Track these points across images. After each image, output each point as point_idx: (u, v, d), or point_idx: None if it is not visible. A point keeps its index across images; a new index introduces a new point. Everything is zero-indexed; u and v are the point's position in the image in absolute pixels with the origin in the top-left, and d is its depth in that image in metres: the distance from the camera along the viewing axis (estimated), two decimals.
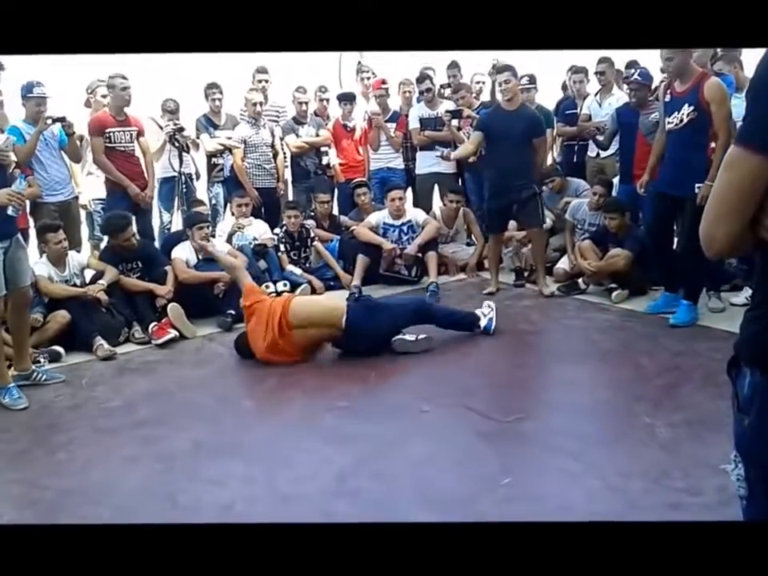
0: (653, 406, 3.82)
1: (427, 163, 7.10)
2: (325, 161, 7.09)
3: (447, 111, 6.76)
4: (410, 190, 7.32)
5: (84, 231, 6.46)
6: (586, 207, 6.29)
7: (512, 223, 6.60)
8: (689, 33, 1.36)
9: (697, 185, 4.64)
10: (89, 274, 5.52)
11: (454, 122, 6.77)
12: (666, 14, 1.30)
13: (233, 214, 6.58)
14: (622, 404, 4.00)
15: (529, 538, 1.53)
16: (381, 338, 4.73)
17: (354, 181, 7.03)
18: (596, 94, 6.76)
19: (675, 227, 5.33)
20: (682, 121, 4.75)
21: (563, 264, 6.26)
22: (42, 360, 4.78)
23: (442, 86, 7.39)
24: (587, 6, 1.33)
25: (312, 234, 6.53)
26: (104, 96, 6.19)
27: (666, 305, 5.25)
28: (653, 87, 5.87)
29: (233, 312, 5.40)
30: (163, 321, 5.24)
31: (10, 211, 3.99)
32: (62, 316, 5.00)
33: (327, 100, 7.28)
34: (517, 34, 1.41)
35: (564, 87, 7.53)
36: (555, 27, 1.39)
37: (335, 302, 5.05)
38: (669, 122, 4.86)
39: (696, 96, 4.68)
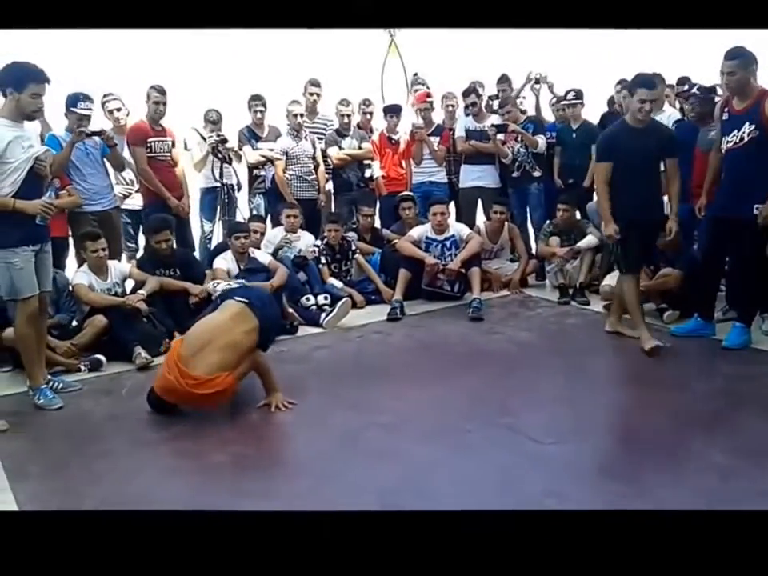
0: (705, 432, 3.70)
1: (471, 177, 7.03)
2: (368, 173, 7.06)
3: (493, 125, 6.74)
4: (452, 204, 7.26)
5: None
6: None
7: (554, 239, 6.51)
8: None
9: (756, 206, 4.49)
10: (130, 284, 5.53)
11: (499, 137, 6.74)
12: None
13: (277, 225, 6.57)
14: (673, 428, 3.86)
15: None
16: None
17: (401, 194, 6.98)
18: None
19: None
20: (742, 140, 4.61)
21: (610, 281, 6.12)
22: (83, 368, 4.79)
23: (490, 98, 7.34)
24: None
25: (354, 247, 6.48)
26: (112, 111, 6.19)
27: (696, 329, 5.11)
28: (714, 102, 5.71)
29: None
30: None
31: (38, 220, 4.04)
32: (99, 320, 5.00)
33: (371, 113, 7.26)
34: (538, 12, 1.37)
35: (611, 102, 7.40)
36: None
37: (229, 311, 4.23)
38: (728, 141, 4.71)
39: (757, 113, 4.53)
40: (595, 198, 6.80)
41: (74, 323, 5.20)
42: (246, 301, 4.19)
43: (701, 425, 3.79)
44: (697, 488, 3.15)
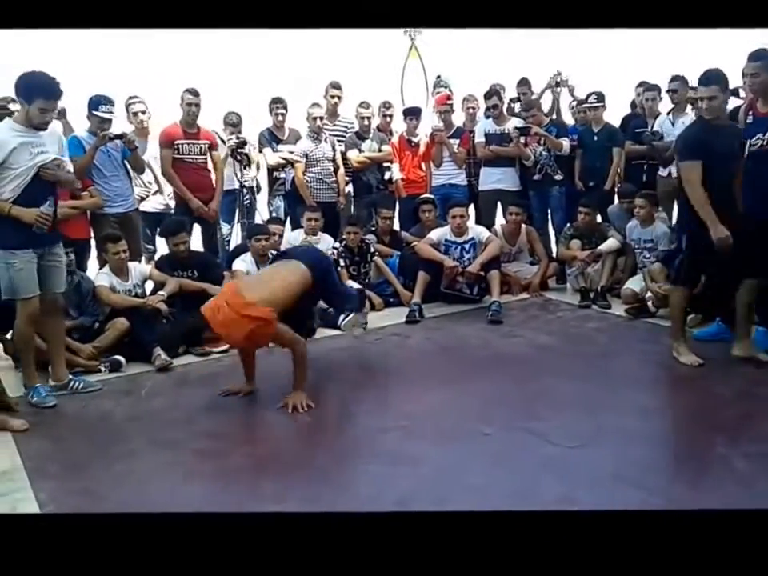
0: (728, 437, 3.65)
1: (490, 180, 7.01)
2: (387, 176, 7.05)
3: (516, 128, 6.72)
4: (472, 206, 7.23)
5: None
6: (638, 225, 6.15)
7: (575, 242, 6.47)
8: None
9: None
10: (150, 286, 5.56)
11: (522, 139, 6.72)
12: None
13: (296, 227, 6.58)
14: (695, 434, 3.84)
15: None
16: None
17: (421, 197, 6.96)
18: (668, 113, 6.56)
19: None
20: None
21: (631, 285, 6.08)
22: (103, 369, 4.82)
23: (511, 101, 7.32)
24: None
25: (372, 249, 6.47)
26: (136, 113, 6.23)
27: (718, 333, 5.06)
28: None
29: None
30: None
31: (34, 229, 4.07)
32: (121, 323, 5.03)
33: (391, 116, 7.25)
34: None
35: (633, 104, 7.36)
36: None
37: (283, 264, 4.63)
38: (752, 144, 4.65)
39: None
40: (616, 200, 6.78)
41: (96, 326, 5.23)
42: (301, 257, 4.54)
43: (722, 429, 3.73)
44: (717, 494, 3.11)
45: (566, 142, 6.77)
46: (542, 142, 6.80)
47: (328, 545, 1.54)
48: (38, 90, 3.94)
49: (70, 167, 5.54)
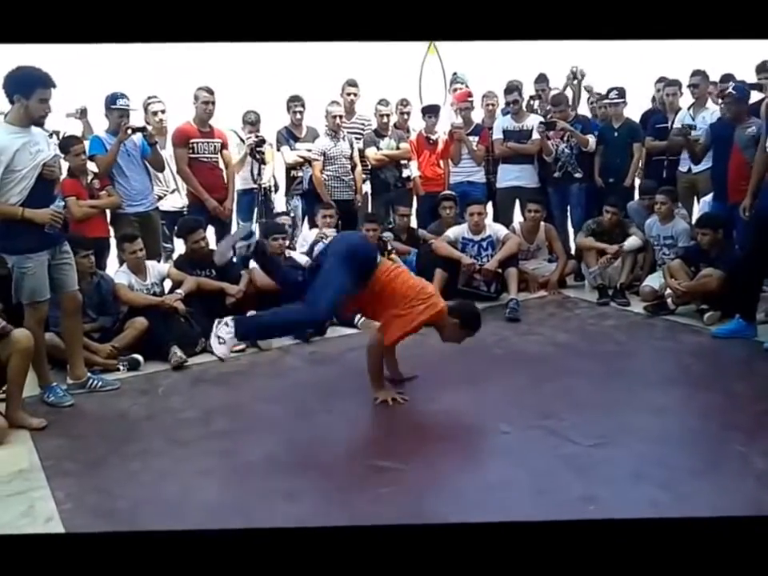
0: (747, 435, 3.60)
1: (508, 177, 6.98)
2: (405, 173, 7.03)
3: (541, 123, 6.68)
4: (490, 204, 7.20)
5: None
6: (658, 222, 6.10)
7: (589, 239, 6.43)
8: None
9: None
10: (168, 285, 5.59)
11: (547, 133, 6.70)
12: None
13: (313, 226, 6.59)
14: (714, 432, 3.79)
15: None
16: None
17: (442, 193, 6.94)
18: (689, 108, 6.50)
19: None
20: None
21: (650, 282, 6.02)
22: (121, 367, 4.85)
23: (531, 97, 7.28)
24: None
25: (389, 247, 6.46)
26: (156, 113, 6.25)
27: (738, 330, 5.00)
28: (749, 102, 5.59)
29: None
30: None
31: (47, 229, 4.05)
32: (140, 323, 5.06)
33: (408, 113, 7.22)
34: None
35: (654, 99, 7.29)
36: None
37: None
38: None
39: None
40: (637, 197, 6.72)
41: (116, 326, 5.26)
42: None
43: (741, 428, 3.68)
44: (736, 494, 3.07)
45: (591, 139, 6.71)
46: (565, 138, 6.74)
47: (339, 556, 1.53)
48: (36, 80, 3.84)
49: (92, 166, 5.63)
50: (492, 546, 1.51)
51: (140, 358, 4.94)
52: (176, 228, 5.95)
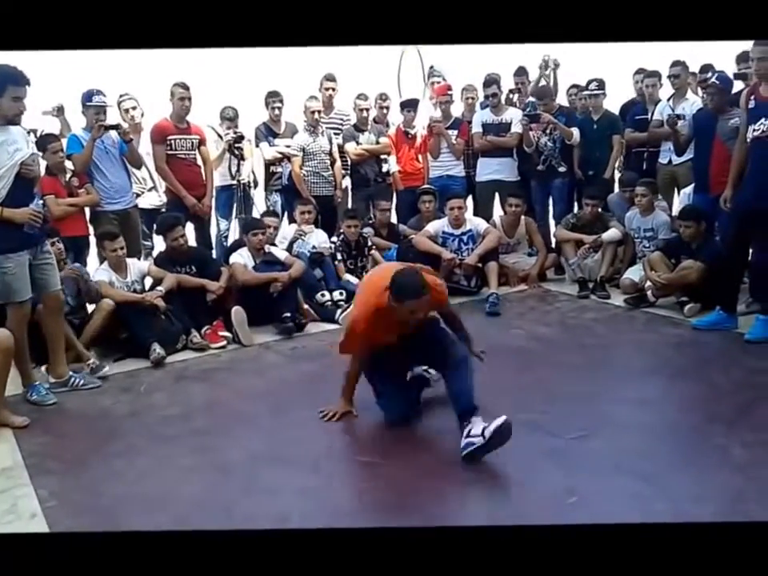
0: (727, 426, 3.64)
1: (487, 171, 6.97)
2: (385, 168, 7.02)
3: (525, 115, 6.67)
4: (470, 198, 7.21)
5: None
6: (638, 214, 6.14)
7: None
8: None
9: None
10: (148, 282, 5.55)
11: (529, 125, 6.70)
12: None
13: (293, 222, 6.57)
14: (694, 423, 3.82)
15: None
16: None
17: (422, 187, 6.94)
18: (669, 99, 6.51)
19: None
20: None
21: (630, 275, 6.07)
22: (85, 367, 4.74)
23: (511, 91, 7.28)
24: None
25: (369, 243, 6.46)
26: (128, 110, 6.20)
27: (718, 322, 5.05)
28: (731, 92, 5.62)
29: (289, 315, 5.43)
30: (215, 324, 5.28)
31: (26, 229, 4.01)
32: (107, 303, 5.01)
33: (387, 107, 7.21)
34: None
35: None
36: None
37: None
38: (754, 130, 4.62)
39: None
40: (616, 189, 6.75)
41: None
42: None
43: (722, 419, 3.72)
44: (716, 484, 3.11)
45: (575, 131, 6.71)
46: (548, 131, 6.75)
47: (323, 558, 1.53)
48: (6, 78, 3.78)
49: (70, 164, 5.58)
50: (479, 550, 1.51)
51: (106, 368, 4.79)
52: (155, 225, 5.91)
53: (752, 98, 4.67)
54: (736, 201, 4.93)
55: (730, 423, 3.67)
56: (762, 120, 4.56)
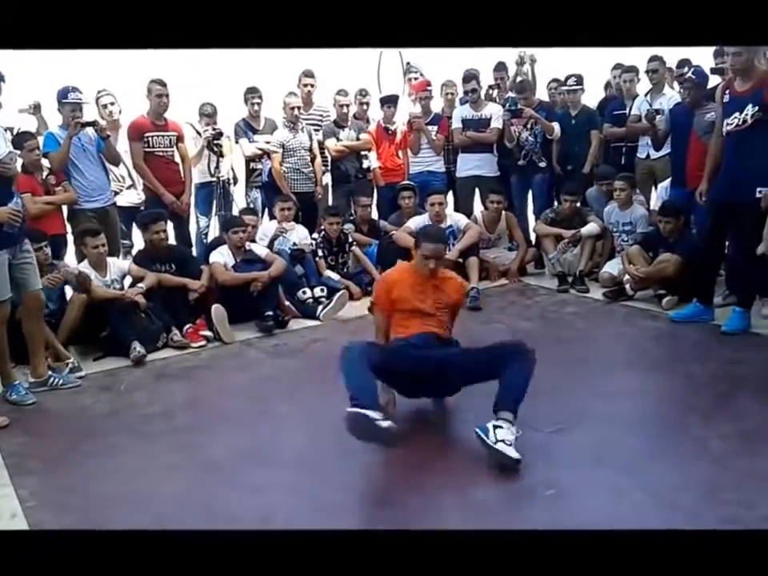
0: (704, 417, 3.69)
1: (468, 166, 7.00)
2: (365, 164, 7.03)
3: (507, 110, 6.68)
4: (450, 193, 7.22)
5: None
6: (617, 208, 6.19)
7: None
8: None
9: (759, 189, 4.46)
10: (129, 281, 5.52)
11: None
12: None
13: (273, 218, 6.55)
14: (672, 415, 3.87)
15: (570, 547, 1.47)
16: None
17: (401, 183, 6.95)
18: (646, 94, 6.54)
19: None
20: (745, 122, 4.56)
21: (609, 268, 6.11)
22: (66, 366, 4.72)
23: (490, 87, 7.29)
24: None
25: (350, 239, 6.47)
26: (106, 105, 6.17)
27: (695, 314, 5.11)
28: (707, 87, 5.67)
29: (271, 313, 5.41)
30: (197, 323, 5.27)
31: (6, 228, 3.97)
32: (78, 297, 4.97)
33: (367, 103, 7.20)
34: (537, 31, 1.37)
35: (607, 86, 7.36)
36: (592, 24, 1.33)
37: None
38: (728, 124, 4.67)
39: (761, 95, 4.49)
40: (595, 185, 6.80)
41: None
42: None
43: (699, 410, 3.77)
44: (694, 474, 3.15)
45: (557, 126, 6.73)
46: (528, 126, 6.77)
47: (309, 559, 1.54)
48: None
49: (47, 162, 5.53)
50: (462, 552, 1.52)
51: (82, 372, 4.75)
52: (138, 217, 5.85)
53: (727, 92, 4.72)
54: (712, 194, 4.97)
55: (707, 414, 3.72)
56: (737, 114, 4.60)
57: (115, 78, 6.78)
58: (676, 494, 2.98)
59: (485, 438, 3.28)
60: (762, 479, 2.96)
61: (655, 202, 6.41)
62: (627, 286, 5.75)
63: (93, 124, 5.60)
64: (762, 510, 2.78)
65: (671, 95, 6.43)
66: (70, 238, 5.72)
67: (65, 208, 5.68)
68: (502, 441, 3.24)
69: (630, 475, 3.13)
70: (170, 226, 6.15)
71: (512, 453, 3.22)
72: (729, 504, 2.86)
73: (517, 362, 3.50)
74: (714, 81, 5.72)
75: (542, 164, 6.83)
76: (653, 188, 6.72)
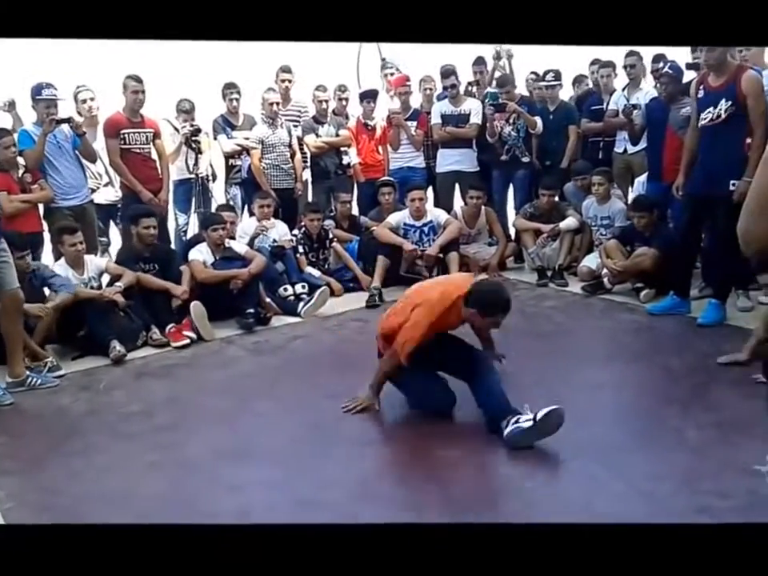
0: (681, 408, 3.73)
1: (448, 161, 7.00)
2: (345, 160, 7.01)
3: (491, 104, 6.67)
4: (430, 189, 7.23)
5: None
6: (595, 203, 6.23)
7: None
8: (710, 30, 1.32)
9: (732, 182, 4.51)
10: (107, 279, 5.48)
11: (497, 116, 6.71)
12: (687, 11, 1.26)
13: (253, 215, 6.54)
14: (650, 406, 3.91)
15: (549, 540, 1.48)
16: None
17: (381, 179, 6.94)
18: (623, 89, 6.58)
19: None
20: (719, 116, 4.61)
21: (587, 262, 6.16)
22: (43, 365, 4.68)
23: (470, 83, 7.29)
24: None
25: (331, 235, 6.46)
26: (85, 100, 6.13)
27: (672, 307, 5.16)
28: (682, 81, 5.72)
29: (252, 311, 5.38)
30: (182, 323, 5.22)
31: None
32: (57, 297, 4.91)
33: (346, 99, 7.17)
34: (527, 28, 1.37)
35: (575, 82, 7.40)
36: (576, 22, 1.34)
37: None
38: (703, 118, 4.72)
39: (734, 90, 4.54)
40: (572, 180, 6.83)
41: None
42: None
43: (676, 401, 3.81)
44: (672, 464, 3.19)
45: (539, 120, 6.74)
46: (510, 121, 6.78)
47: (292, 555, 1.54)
48: None
49: (21, 160, 5.48)
50: (447, 546, 1.53)
51: (60, 372, 4.70)
52: (128, 210, 5.79)
53: (701, 87, 4.77)
54: (687, 188, 5.02)
55: (684, 405, 3.76)
56: (710, 108, 4.65)
57: (91, 74, 6.72)
58: (653, 483, 3.02)
59: (519, 426, 3.32)
60: (738, 469, 2.99)
61: (632, 197, 6.46)
62: (605, 280, 5.80)
63: (68, 121, 5.55)
64: (737, 500, 2.81)
65: (648, 90, 6.47)
66: (47, 236, 5.67)
67: (41, 206, 5.64)
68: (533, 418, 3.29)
69: (608, 466, 3.16)
70: None
71: (548, 408, 3.28)
72: (705, 494, 2.90)
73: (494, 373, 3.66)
74: (689, 76, 5.77)
75: (525, 159, 6.84)
76: (630, 182, 6.76)
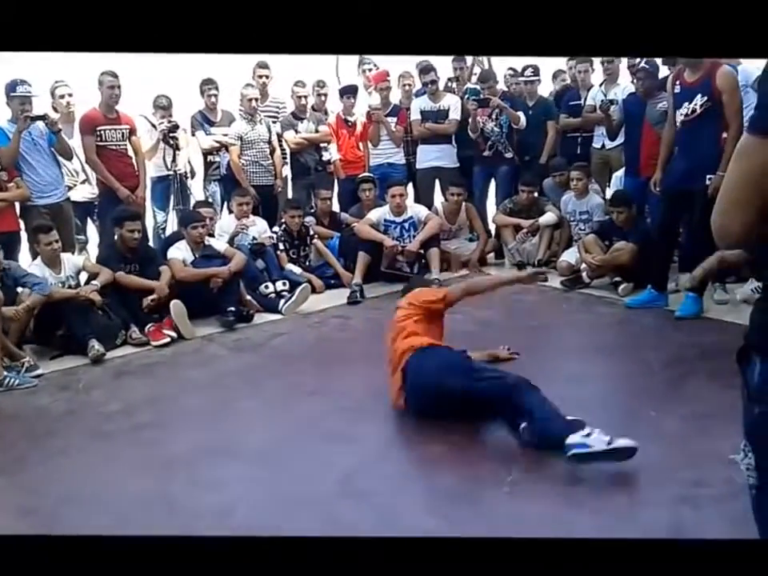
0: (659, 400, 3.77)
1: (428, 158, 7.00)
2: (325, 157, 6.98)
3: (474, 100, 6.64)
4: (411, 185, 7.23)
5: None
6: (573, 198, 6.27)
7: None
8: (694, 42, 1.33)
9: (708, 176, 4.55)
10: (84, 277, 5.44)
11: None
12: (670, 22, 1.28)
13: (231, 212, 6.51)
14: (628, 398, 3.96)
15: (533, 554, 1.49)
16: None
17: (361, 175, 6.93)
18: (601, 84, 6.62)
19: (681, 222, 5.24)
20: (694, 111, 4.66)
21: (566, 257, 6.19)
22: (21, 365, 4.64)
23: (449, 79, 7.28)
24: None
25: (312, 232, 6.45)
26: (63, 96, 6.08)
27: (650, 300, 5.21)
28: (658, 77, 5.76)
29: (233, 309, 5.36)
30: (162, 322, 5.20)
31: None
32: (29, 298, 4.84)
33: (325, 95, 7.14)
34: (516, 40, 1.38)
35: (554, 77, 7.42)
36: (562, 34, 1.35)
37: None
38: (680, 114, 4.76)
39: (709, 86, 4.58)
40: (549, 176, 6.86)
41: None
42: None
43: (654, 393, 3.86)
44: (650, 454, 3.20)
45: (522, 115, 6.72)
46: (493, 116, 6.78)
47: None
48: None
49: None
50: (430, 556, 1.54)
51: (38, 371, 4.67)
52: (114, 212, 5.68)
53: (677, 82, 4.81)
54: (665, 183, 5.07)
55: (661, 397, 3.81)
56: (687, 104, 4.70)
57: (67, 70, 6.65)
58: (634, 474, 3.04)
59: (590, 450, 3.05)
60: (716, 458, 3.02)
61: (610, 192, 6.50)
62: (584, 274, 5.83)
63: (43, 118, 5.49)
64: (716, 488, 2.85)
65: (625, 86, 6.51)
66: (24, 235, 5.61)
67: (17, 204, 5.58)
68: (608, 441, 3.06)
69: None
70: None
71: (627, 442, 3.05)
72: (683, 484, 2.94)
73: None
74: (664, 71, 5.82)
75: (509, 154, 6.84)
76: (608, 177, 6.80)
